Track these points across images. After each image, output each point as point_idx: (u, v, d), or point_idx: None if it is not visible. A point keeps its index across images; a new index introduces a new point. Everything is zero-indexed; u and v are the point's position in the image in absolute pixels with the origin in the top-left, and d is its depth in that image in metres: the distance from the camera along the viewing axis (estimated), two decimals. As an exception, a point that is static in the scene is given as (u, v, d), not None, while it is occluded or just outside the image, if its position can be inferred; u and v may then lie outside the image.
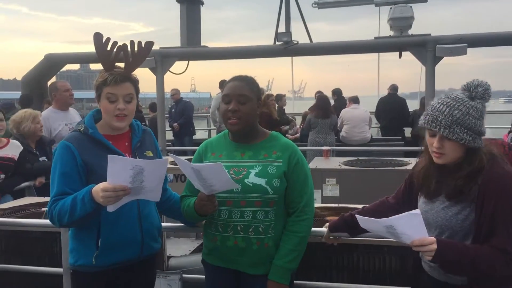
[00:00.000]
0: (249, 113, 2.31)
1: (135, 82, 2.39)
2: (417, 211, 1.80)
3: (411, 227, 1.82)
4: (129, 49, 2.39)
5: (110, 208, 2.10)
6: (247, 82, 2.35)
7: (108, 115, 2.34)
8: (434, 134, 1.97)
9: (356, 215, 2.01)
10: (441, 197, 2.04)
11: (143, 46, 2.41)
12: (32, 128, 4.84)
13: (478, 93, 1.96)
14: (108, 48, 2.33)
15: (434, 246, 1.81)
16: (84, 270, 2.34)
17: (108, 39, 2.32)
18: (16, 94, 8.14)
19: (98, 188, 2.08)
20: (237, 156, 2.34)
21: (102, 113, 2.38)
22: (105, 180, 2.10)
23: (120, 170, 2.03)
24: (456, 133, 1.91)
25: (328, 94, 10.04)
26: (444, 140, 1.95)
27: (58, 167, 2.27)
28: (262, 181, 2.26)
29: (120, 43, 2.36)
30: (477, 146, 1.95)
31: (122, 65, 2.40)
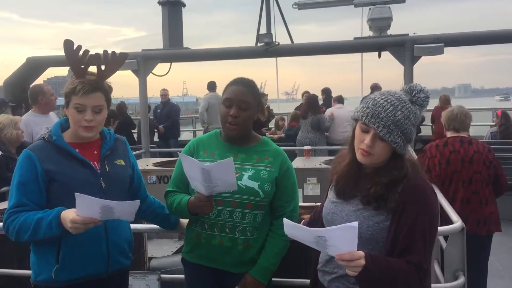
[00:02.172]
0: (248, 120, 2.33)
1: (106, 92, 2.28)
2: (355, 223, 1.61)
3: (344, 240, 1.65)
4: (102, 58, 2.28)
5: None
6: (249, 88, 2.35)
7: (74, 125, 2.24)
8: (368, 131, 1.84)
9: (284, 219, 1.82)
10: (356, 199, 1.93)
11: (117, 56, 2.32)
12: (14, 134, 4.82)
13: (419, 98, 1.88)
14: (80, 55, 2.23)
15: (362, 261, 1.66)
16: (45, 286, 2.21)
17: (79, 47, 2.23)
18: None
19: (66, 218, 2.00)
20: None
21: (70, 121, 2.27)
22: (66, 187, 2.09)
23: (88, 207, 1.96)
24: (393, 135, 1.80)
25: (319, 94, 10.18)
26: (376, 139, 1.82)
27: (16, 176, 2.19)
28: (255, 185, 2.29)
29: (109, 50, 2.28)
30: (404, 153, 1.86)
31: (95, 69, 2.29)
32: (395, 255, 1.79)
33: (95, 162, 2.29)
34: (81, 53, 2.23)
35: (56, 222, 2.04)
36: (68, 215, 2.00)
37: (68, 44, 2.22)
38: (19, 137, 4.87)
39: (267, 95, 11.65)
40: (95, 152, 2.32)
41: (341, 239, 1.64)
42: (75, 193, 1.93)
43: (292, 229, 1.78)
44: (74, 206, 2.00)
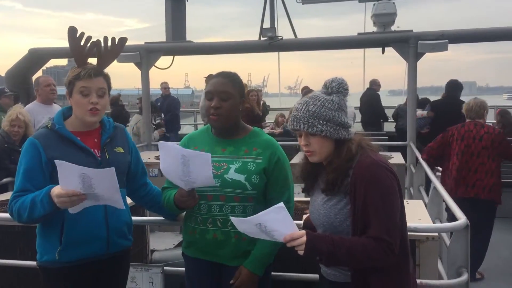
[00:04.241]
0: (231, 110, 2.34)
1: (107, 78, 2.39)
2: (280, 204, 1.80)
3: (279, 222, 1.79)
4: (102, 45, 2.38)
5: (72, 210, 2.13)
6: (230, 79, 2.38)
7: (81, 109, 2.32)
8: (301, 134, 1.99)
9: (230, 217, 2.02)
10: (321, 193, 2.04)
11: (116, 42, 2.41)
12: (6, 128, 4.91)
13: (333, 88, 1.99)
14: (82, 43, 2.33)
15: (304, 238, 1.81)
16: (49, 266, 2.32)
17: (82, 34, 2.31)
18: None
19: (53, 193, 2.09)
20: (218, 151, 2.38)
21: (74, 108, 2.36)
22: None
23: (69, 176, 2.04)
24: (315, 126, 1.92)
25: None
26: (308, 137, 1.96)
27: (22, 163, 2.28)
28: (241, 177, 2.31)
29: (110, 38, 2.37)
30: (342, 138, 1.95)
31: (94, 61, 2.40)
32: (358, 235, 1.89)
33: (96, 150, 2.37)
34: (83, 40, 2.32)
35: (46, 199, 2.12)
36: (54, 190, 2.09)
37: (72, 31, 2.31)
38: (11, 133, 4.93)
39: (261, 90, 11.64)
40: (95, 140, 2.40)
41: (277, 221, 1.80)
42: (55, 161, 2.03)
43: (240, 224, 1.94)
44: None
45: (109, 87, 2.40)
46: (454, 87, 7.57)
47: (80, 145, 2.32)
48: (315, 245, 1.82)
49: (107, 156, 2.38)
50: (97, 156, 2.36)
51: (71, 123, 2.38)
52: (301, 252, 1.82)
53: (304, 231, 1.84)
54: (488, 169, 4.79)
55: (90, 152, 2.34)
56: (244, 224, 1.93)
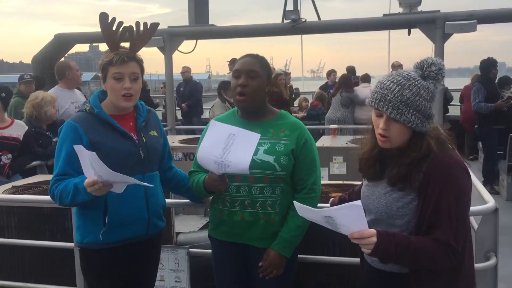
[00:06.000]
0: (258, 89, 2.35)
1: (140, 62, 2.41)
2: (358, 202, 1.64)
3: (351, 218, 1.68)
4: (134, 30, 2.41)
5: (116, 191, 2.15)
6: (258, 59, 2.40)
7: (114, 95, 2.35)
8: (381, 115, 1.82)
9: (294, 201, 1.87)
10: (384, 181, 1.91)
11: (148, 27, 2.44)
12: (52, 112, 4.93)
13: (431, 72, 1.81)
14: (114, 28, 2.36)
15: (374, 239, 1.68)
16: (91, 247, 2.38)
17: (113, 19, 2.34)
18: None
19: (85, 184, 2.11)
20: None
21: (108, 93, 2.39)
22: (110, 158, 2.18)
23: (84, 163, 2.07)
24: (404, 115, 1.76)
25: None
26: (391, 122, 1.80)
27: (64, 146, 2.30)
28: (270, 158, 2.31)
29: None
30: (424, 131, 1.81)
31: (126, 45, 2.43)
32: (422, 233, 1.78)
33: (133, 133, 2.42)
34: (115, 25, 2.34)
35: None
36: (85, 181, 2.11)
37: (103, 17, 2.34)
38: (53, 115, 4.97)
39: (289, 73, 11.58)
40: (131, 123, 2.45)
41: (348, 218, 1.68)
42: (74, 146, 2.06)
43: (303, 211, 1.82)
44: None
45: (142, 71, 2.43)
46: (484, 67, 7.34)
47: (119, 129, 2.36)
48: (383, 247, 1.70)
49: (144, 139, 2.42)
50: (135, 140, 2.39)
51: (107, 106, 2.41)
52: (367, 251, 1.73)
53: (374, 231, 1.70)
54: None
55: (129, 135, 2.38)
56: (308, 213, 1.82)
